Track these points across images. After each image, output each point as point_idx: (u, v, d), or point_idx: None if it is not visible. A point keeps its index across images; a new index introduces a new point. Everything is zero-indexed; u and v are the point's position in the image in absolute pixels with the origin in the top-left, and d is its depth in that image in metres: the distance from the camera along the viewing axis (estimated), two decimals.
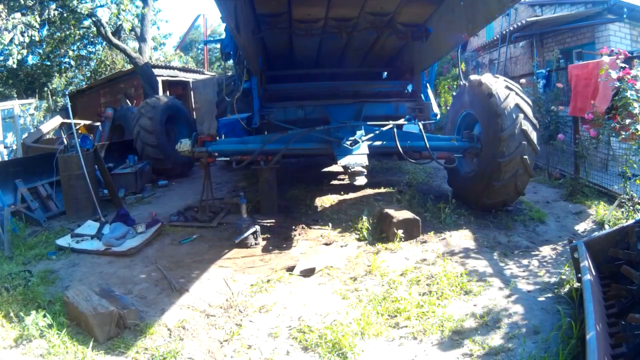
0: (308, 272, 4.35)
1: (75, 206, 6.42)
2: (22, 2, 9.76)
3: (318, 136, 5.83)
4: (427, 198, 6.16)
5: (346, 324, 3.38)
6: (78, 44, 17.50)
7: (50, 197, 6.81)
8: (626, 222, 4.26)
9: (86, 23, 14.03)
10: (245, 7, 4.96)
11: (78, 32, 14.81)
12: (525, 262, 4.50)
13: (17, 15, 10.01)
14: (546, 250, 4.78)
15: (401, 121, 6.53)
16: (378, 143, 5.81)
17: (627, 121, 4.85)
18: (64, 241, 5.24)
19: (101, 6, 12.53)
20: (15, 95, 17.51)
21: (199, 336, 3.36)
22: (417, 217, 5.18)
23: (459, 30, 5.03)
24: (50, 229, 5.97)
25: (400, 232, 4.94)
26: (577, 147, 6.49)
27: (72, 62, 18.99)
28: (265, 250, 5.05)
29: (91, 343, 3.20)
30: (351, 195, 6.69)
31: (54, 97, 16.45)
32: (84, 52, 18.92)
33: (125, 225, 5.46)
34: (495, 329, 3.29)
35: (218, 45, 10.90)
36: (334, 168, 8.66)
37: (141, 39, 13.84)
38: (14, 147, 12.18)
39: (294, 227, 5.68)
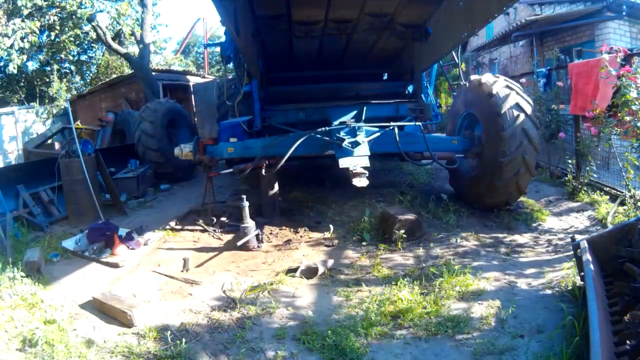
0: (311, 274, 4.35)
1: (77, 211, 6.42)
2: (22, 3, 9.70)
3: (319, 138, 5.83)
4: (429, 198, 6.16)
5: (349, 325, 3.38)
6: (78, 49, 17.53)
7: (52, 202, 6.81)
8: (628, 219, 4.25)
9: (86, 28, 14.05)
10: (244, 10, 4.97)
11: (79, 37, 14.84)
12: (527, 260, 4.49)
13: (17, 20, 10.02)
14: (548, 249, 4.78)
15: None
16: (379, 144, 5.81)
17: (628, 118, 4.85)
18: (70, 244, 5.26)
19: (101, 11, 12.57)
20: (16, 101, 17.56)
21: (202, 339, 3.36)
22: (419, 218, 5.18)
23: (459, 31, 5.03)
24: (53, 234, 5.98)
25: (402, 232, 4.94)
26: (578, 145, 6.49)
27: (72, 67, 19.03)
28: (268, 252, 5.06)
29: (94, 347, 3.21)
30: (353, 197, 6.69)
31: (54, 103, 16.47)
32: (84, 57, 18.95)
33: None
34: (499, 328, 3.29)
35: (218, 49, 10.90)
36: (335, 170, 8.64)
37: (141, 43, 13.85)
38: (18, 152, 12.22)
39: (296, 230, 5.69)
